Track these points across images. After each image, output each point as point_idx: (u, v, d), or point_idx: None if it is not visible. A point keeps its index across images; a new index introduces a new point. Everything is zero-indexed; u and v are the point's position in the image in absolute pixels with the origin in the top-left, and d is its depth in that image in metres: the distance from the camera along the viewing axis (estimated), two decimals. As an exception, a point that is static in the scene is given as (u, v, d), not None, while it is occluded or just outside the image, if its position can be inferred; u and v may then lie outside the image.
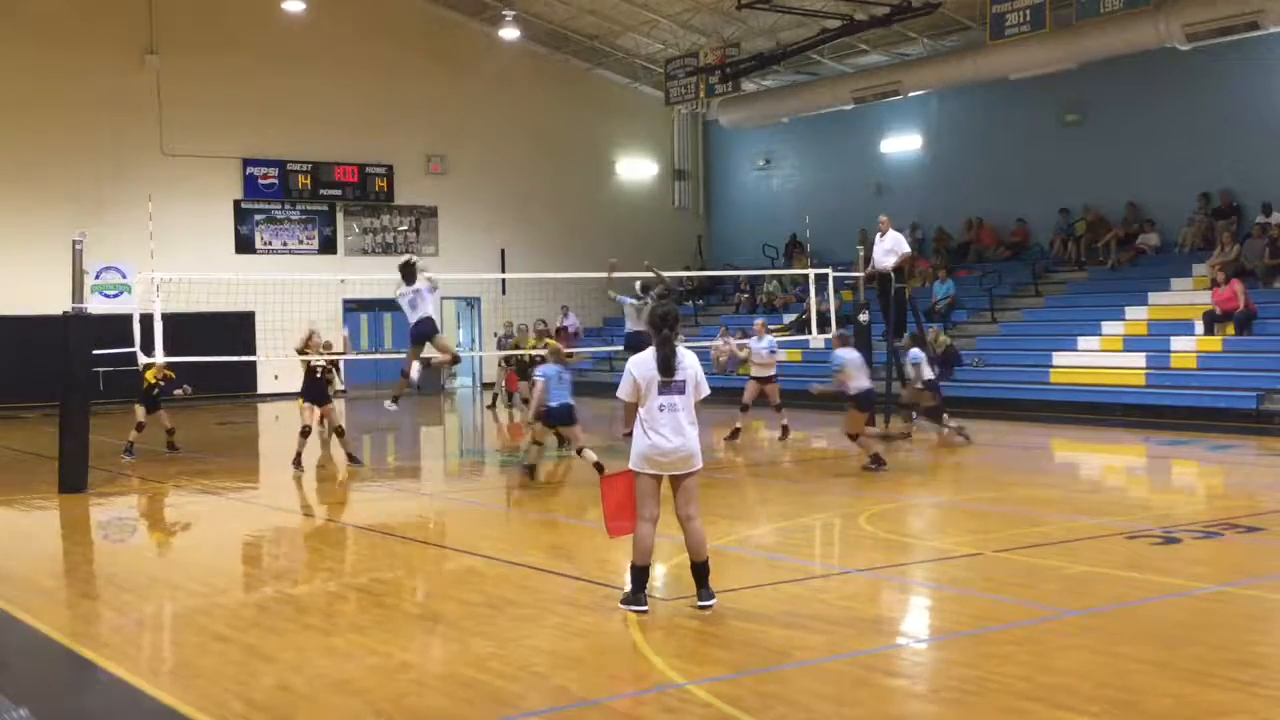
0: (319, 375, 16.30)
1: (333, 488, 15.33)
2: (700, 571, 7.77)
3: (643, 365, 7.81)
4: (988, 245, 27.66)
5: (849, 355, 14.78)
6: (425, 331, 15.22)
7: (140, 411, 17.50)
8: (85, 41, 27.60)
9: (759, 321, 19.74)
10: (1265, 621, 7.82)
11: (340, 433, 16.55)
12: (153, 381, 17.34)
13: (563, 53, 32.68)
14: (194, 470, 16.27)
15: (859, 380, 14.58)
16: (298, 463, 15.69)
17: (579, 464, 15.77)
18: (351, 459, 16.26)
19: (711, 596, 7.74)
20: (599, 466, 13.56)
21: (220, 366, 20.29)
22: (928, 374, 17.74)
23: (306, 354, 16.38)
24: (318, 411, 16.59)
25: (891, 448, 17.25)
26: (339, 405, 17.83)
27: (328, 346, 16.79)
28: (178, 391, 17.61)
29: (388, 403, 15.87)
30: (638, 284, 18.27)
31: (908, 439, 17.66)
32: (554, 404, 14.02)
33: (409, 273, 15.20)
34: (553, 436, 15.38)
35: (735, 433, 17.96)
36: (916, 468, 16.04)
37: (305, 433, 16.10)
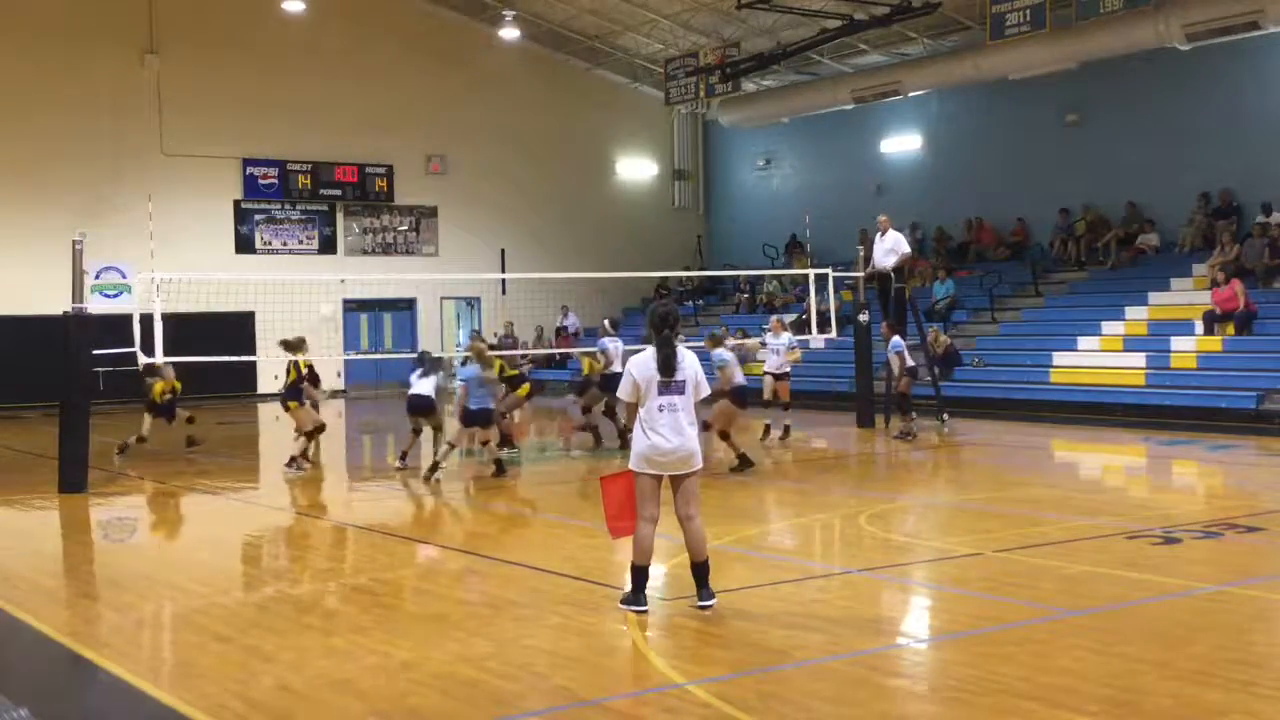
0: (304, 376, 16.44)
1: (332, 488, 15.35)
2: (700, 572, 7.76)
3: (642, 365, 7.80)
4: (988, 245, 27.66)
5: (727, 354, 15.03)
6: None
7: (146, 422, 17.56)
8: (85, 42, 27.60)
9: (776, 319, 19.73)
10: (1265, 621, 7.82)
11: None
12: (158, 399, 17.50)
13: (563, 53, 32.68)
14: (194, 470, 16.27)
15: (739, 376, 14.90)
16: (297, 463, 15.80)
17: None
18: (302, 457, 16.32)
19: (711, 597, 7.73)
20: (499, 465, 14.50)
21: (220, 366, 20.29)
22: (909, 360, 17.84)
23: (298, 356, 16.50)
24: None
25: (894, 447, 17.27)
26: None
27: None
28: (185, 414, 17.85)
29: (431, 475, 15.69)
30: (606, 321, 18.20)
31: (913, 437, 17.65)
32: (473, 406, 14.45)
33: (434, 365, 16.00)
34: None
35: (766, 430, 18.02)
36: (916, 467, 16.05)
37: (320, 430, 16.41)
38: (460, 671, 6.65)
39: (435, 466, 14.42)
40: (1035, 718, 5.74)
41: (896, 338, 18.04)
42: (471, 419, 14.56)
